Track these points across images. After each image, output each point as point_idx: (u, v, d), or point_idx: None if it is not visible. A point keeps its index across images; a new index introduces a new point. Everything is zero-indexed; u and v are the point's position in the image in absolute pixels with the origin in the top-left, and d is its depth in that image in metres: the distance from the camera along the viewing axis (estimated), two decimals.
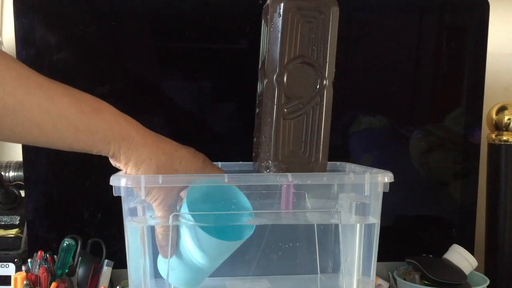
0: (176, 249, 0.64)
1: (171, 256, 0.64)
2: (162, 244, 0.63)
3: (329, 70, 0.66)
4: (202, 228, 0.62)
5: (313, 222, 0.78)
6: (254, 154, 0.71)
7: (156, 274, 0.71)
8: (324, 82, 0.66)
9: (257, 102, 0.70)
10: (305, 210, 0.73)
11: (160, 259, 0.67)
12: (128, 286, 0.69)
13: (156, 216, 0.63)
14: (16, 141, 0.56)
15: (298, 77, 0.65)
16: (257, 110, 0.70)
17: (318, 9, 0.64)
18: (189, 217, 0.62)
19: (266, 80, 0.65)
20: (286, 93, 0.65)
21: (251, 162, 0.80)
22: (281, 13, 0.63)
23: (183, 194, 0.64)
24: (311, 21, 0.64)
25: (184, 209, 0.62)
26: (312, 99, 0.66)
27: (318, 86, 0.66)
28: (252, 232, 0.66)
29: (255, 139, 0.70)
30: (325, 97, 0.66)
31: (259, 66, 0.70)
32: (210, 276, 0.80)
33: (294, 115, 0.66)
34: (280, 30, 0.64)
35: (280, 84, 0.65)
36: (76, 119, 0.55)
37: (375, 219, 0.70)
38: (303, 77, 0.65)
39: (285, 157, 0.66)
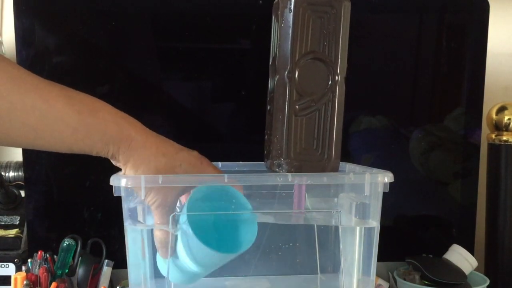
0: (173, 251, 0.64)
1: (170, 256, 0.64)
2: (159, 246, 0.63)
3: (341, 65, 0.65)
4: (199, 236, 0.61)
5: (313, 223, 0.78)
6: (265, 152, 0.70)
7: (156, 274, 0.71)
8: (336, 78, 0.65)
9: (268, 99, 0.70)
10: (306, 210, 0.73)
11: (158, 257, 0.67)
12: (128, 286, 0.69)
13: (154, 220, 0.62)
14: (12, 144, 0.55)
15: (310, 73, 0.64)
16: (268, 107, 0.70)
17: (329, 4, 0.64)
18: (187, 225, 0.61)
19: (277, 77, 0.65)
20: (297, 90, 0.64)
21: (251, 162, 0.80)
22: (292, 9, 0.63)
23: (184, 198, 0.64)
24: (323, 16, 0.64)
25: (184, 215, 0.61)
26: (324, 96, 0.65)
27: (330, 82, 0.65)
28: (249, 246, 0.65)
29: (266, 137, 0.70)
30: (337, 93, 0.65)
31: (270, 63, 0.69)
32: (210, 276, 0.80)
33: (306, 112, 0.65)
34: (291, 26, 0.63)
35: (292, 80, 0.64)
36: (73, 120, 0.54)
37: (375, 222, 0.70)
38: (314, 73, 0.64)
39: (297, 155, 0.65)
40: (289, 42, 0.64)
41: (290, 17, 0.63)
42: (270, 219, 0.71)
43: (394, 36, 0.95)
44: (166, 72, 0.92)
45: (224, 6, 0.90)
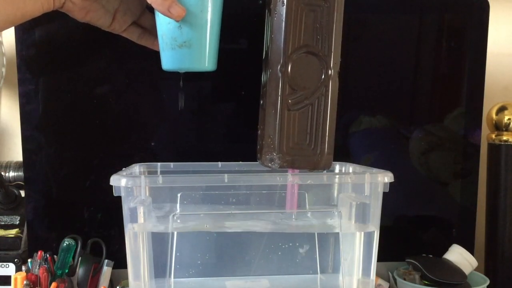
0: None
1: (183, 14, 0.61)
2: (168, 4, 0.61)
3: (334, 60, 0.65)
4: None
5: (314, 231, 0.77)
6: (258, 147, 0.70)
7: (156, 274, 0.71)
8: (329, 72, 0.65)
9: (261, 93, 0.69)
10: (306, 210, 0.73)
11: (163, 52, 0.66)
12: (128, 286, 0.69)
13: None
14: None
15: (303, 67, 0.64)
16: (261, 102, 0.69)
17: None
18: None
19: (270, 71, 0.64)
20: (290, 84, 0.64)
21: (251, 162, 0.80)
22: (284, 2, 0.63)
23: None
24: (316, 9, 0.63)
25: None
26: (317, 90, 0.65)
27: (323, 77, 0.65)
28: None
29: (259, 131, 0.70)
30: (331, 87, 0.65)
31: (263, 57, 0.69)
32: (210, 276, 0.80)
33: (298, 106, 0.65)
34: (283, 19, 0.63)
35: (284, 74, 0.64)
36: None
37: (374, 227, 0.70)
38: (307, 67, 0.64)
39: (289, 149, 0.65)
40: (282, 36, 0.63)
41: (283, 10, 0.63)
42: (267, 229, 0.71)
43: (394, 36, 0.95)
44: (165, 71, 0.92)
45: (224, 6, 0.90)
